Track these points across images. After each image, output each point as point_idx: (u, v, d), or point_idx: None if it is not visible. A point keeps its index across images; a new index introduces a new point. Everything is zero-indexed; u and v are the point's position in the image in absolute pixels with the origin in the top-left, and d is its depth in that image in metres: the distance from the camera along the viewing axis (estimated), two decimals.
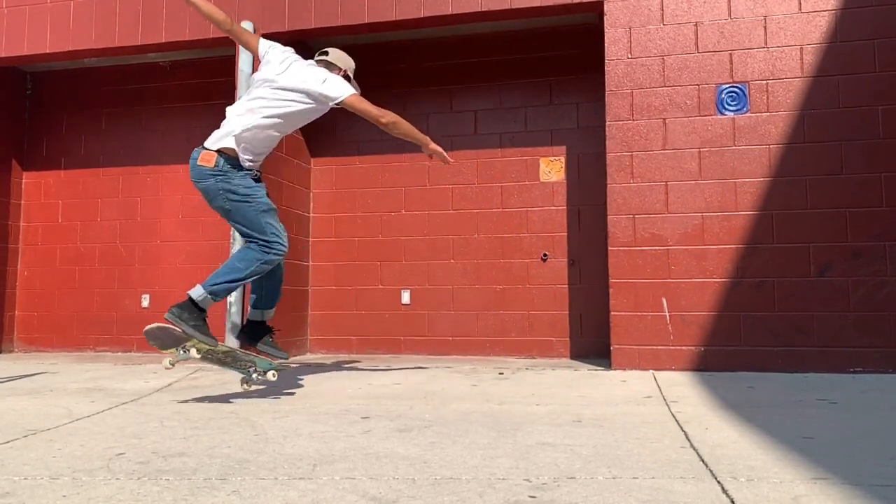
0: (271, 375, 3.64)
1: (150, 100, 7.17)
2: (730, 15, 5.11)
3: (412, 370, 5.15)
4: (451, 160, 4.08)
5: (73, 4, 6.29)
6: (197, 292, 3.48)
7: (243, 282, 3.61)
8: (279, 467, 2.26)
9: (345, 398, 3.78)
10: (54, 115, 7.38)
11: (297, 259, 6.50)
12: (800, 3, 5.01)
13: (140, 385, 4.36)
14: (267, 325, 3.88)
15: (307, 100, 3.66)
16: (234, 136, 3.55)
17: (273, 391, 4.02)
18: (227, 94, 6.65)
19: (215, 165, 3.52)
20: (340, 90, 3.66)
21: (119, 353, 6.83)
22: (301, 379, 4.65)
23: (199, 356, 3.51)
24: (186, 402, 3.68)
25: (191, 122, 7.04)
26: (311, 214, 6.79)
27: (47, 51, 6.36)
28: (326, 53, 3.92)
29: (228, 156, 3.56)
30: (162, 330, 3.52)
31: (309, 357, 6.37)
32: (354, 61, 4.02)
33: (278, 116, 3.63)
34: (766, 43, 5.04)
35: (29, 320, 7.23)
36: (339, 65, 3.86)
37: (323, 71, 3.75)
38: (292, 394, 3.94)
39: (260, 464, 2.31)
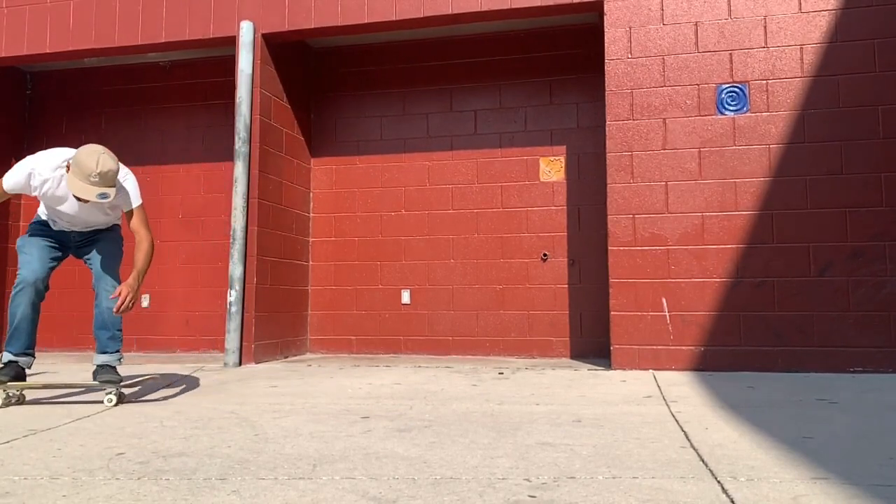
0: (107, 401, 3.62)
1: (150, 100, 7.18)
2: (730, 15, 5.11)
3: (412, 370, 5.15)
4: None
5: (73, 4, 6.30)
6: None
7: (14, 323, 3.59)
8: (279, 467, 2.26)
9: (345, 398, 3.78)
10: (54, 115, 7.38)
11: (296, 259, 6.50)
12: (800, 3, 5.01)
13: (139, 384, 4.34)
14: (106, 366, 3.72)
15: None
16: None
17: (273, 391, 4.03)
18: (227, 94, 6.68)
19: None
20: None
21: None
22: (301, 379, 4.66)
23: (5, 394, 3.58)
24: (186, 402, 3.68)
25: (191, 122, 7.06)
26: (311, 214, 6.79)
27: (47, 51, 6.36)
28: None
29: None
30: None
31: (309, 357, 6.37)
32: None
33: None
34: (766, 43, 5.04)
35: None
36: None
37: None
38: (292, 394, 3.95)
39: (260, 464, 2.31)
